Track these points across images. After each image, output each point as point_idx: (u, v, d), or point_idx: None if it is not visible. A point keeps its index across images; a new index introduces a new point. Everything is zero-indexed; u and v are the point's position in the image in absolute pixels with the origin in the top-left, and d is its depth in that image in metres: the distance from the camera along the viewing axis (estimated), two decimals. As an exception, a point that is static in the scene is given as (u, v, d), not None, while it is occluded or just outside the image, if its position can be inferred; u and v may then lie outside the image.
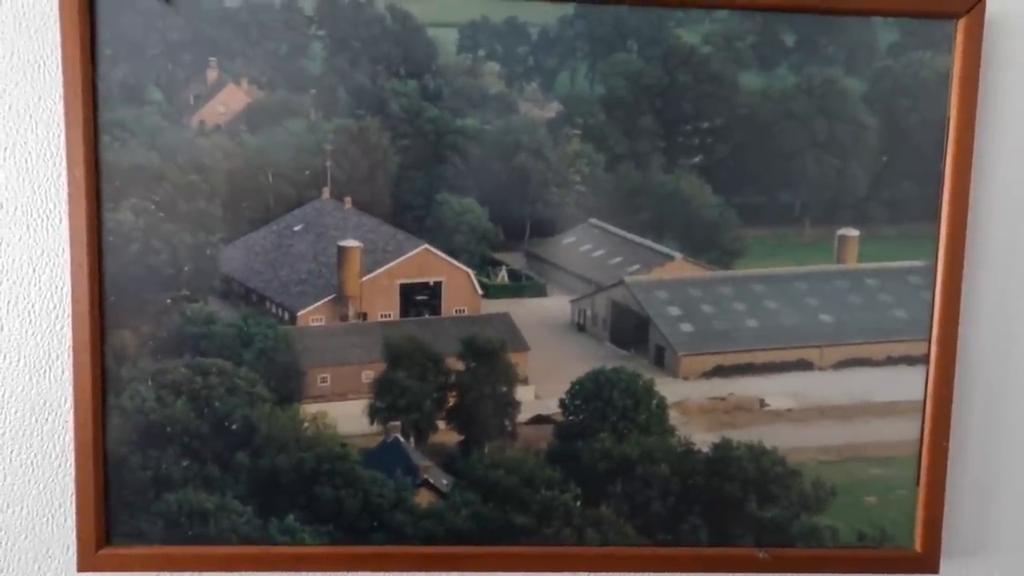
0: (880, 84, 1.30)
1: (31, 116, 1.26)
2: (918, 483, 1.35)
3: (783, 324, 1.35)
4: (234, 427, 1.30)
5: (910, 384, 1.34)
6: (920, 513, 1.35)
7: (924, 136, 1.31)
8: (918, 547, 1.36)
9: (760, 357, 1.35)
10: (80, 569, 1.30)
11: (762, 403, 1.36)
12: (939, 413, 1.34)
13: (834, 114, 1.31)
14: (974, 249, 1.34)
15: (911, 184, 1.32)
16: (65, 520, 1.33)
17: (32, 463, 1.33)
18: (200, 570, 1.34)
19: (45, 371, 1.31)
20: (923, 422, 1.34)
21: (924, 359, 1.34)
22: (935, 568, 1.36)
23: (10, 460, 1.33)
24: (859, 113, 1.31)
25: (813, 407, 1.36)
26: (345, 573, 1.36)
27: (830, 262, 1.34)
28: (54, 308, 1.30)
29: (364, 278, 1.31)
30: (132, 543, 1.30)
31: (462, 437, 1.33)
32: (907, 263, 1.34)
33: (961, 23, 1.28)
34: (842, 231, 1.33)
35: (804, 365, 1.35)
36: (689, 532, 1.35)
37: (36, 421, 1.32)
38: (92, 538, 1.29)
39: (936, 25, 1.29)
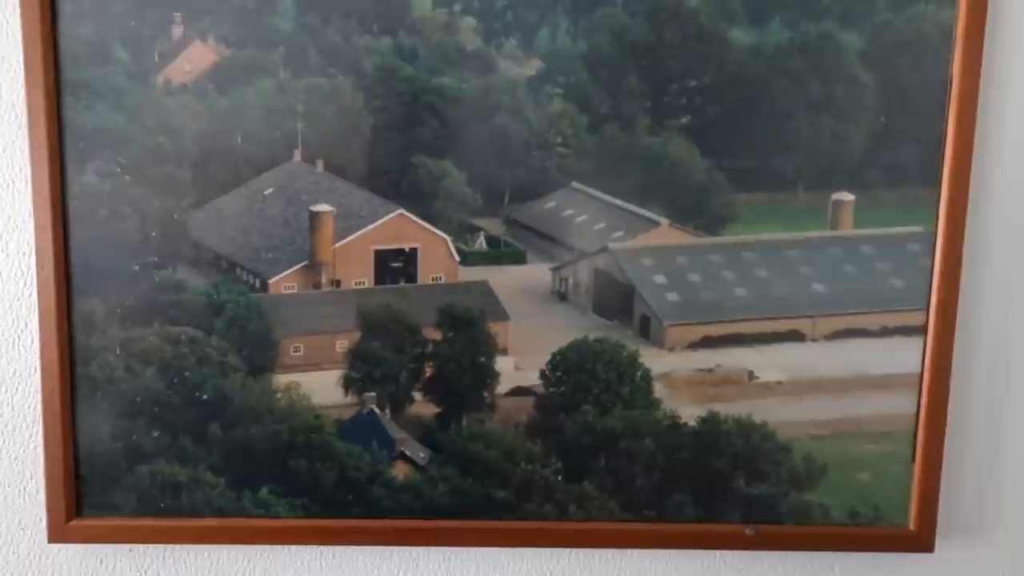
0: (879, 40, 1.23)
1: (-7, 76, 1.22)
2: (914, 459, 1.30)
3: (774, 293, 1.30)
4: (206, 397, 1.27)
5: (907, 356, 1.29)
6: (915, 490, 1.30)
7: (925, 95, 1.24)
8: (912, 525, 1.31)
9: (749, 328, 1.30)
10: (51, 540, 1.28)
11: (751, 376, 1.31)
12: (937, 387, 1.28)
13: (830, 72, 1.24)
14: (976, 215, 1.27)
15: (910, 146, 1.26)
16: (36, 492, 1.31)
17: (2, 434, 1.31)
18: (173, 543, 1.31)
19: (13, 340, 1.28)
20: (920, 396, 1.29)
21: (922, 330, 1.28)
22: (930, 547, 1.32)
23: (-20, 430, 1.31)
24: (856, 71, 1.24)
25: (805, 380, 1.31)
26: (320, 547, 1.33)
27: (824, 228, 1.28)
28: (20, 276, 1.27)
29: (337, 244, 1.27)
30: (104, 515, 1.28)
31: (440, 409, 1.30)
32: (905, 229, 1.28)
33: (966, -26, 1.21)
34: (837, 196, 1.27)
35: (796, 336, 1.30)
36: (675, 508, 1.31)
37: (5, 392, 1.30)
38: (62, 510, 1.27)
39: (940, -23, 1.22)
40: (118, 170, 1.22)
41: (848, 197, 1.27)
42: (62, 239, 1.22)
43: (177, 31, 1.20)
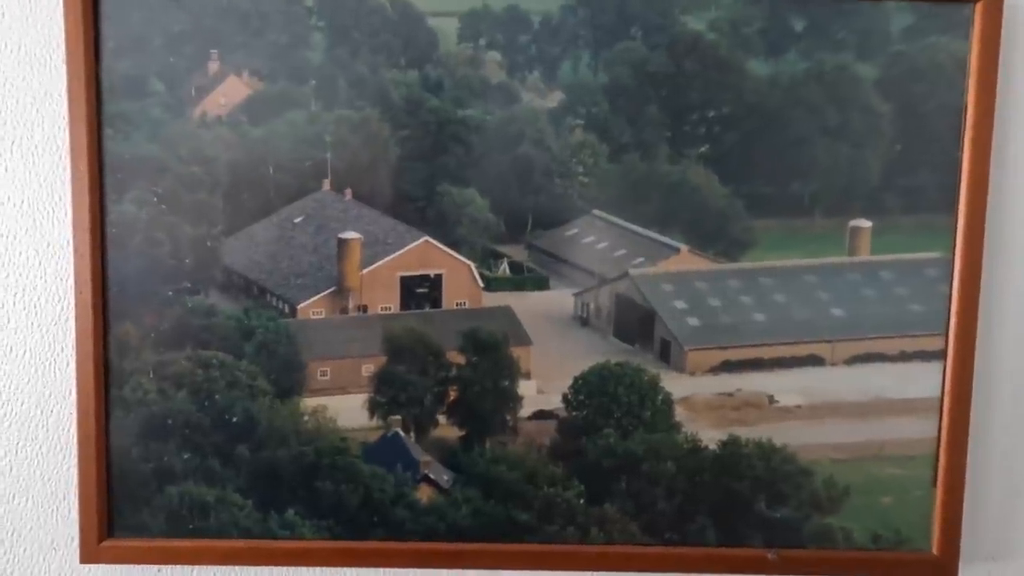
0: (894, 70, 1.26)
1: (37, 110, 1.27)
2: (936, 484, 1.31)
3: (793, 318, 1.31)
4: (235, 420, 1.30)
5: (927, 380, 1.30)
6: (938, 515, 1.31)
7: (940, 123, 1.27)
8: (935, 550, 1.31)
9: (769, 352, 1.31)
10: (83, 561, 1.30)
11: (771, 399, 1.32)
12: (957, 411, 1.29)
13: (845, 101, 1.27)
14: (993, 240, 1.29)
15: (927, 173, 1.28)
16: (69, 512, 1.34)
17: (38, 455, 1.34)
18: (200, 563, 1.33)
19: (50, 363, 1.32)
20: (940, 420, 1.30)
21: (941, 355, 1.29)
22: (954, 572, 1.31)
23: (16, 452, 1.34)
24: (872, 100, 1.27)
25: (825, 404, 1.32)
26: (345, 569, 1.35)
27: (842, 254, 1.30)
28: (59, 300, 1.31)
29: (364, 270, 1.30)
30: (134, 535, 1.30)
31: (463, 432, 1.32)
32: (923, 255, 1.29)
33: (979, 7, 1.24)
34: (854, 222, 1.29)
35: (815, 360, 1.31)
36: (696, 532, 1.32)
37: (41, 413, 1.33)
38: (95, 530, 1.29)
39: (953, 9, 1.24)
40: (154, 199, 1.27)
41: (865, 223, 1.29)
42: (100, 265, 1.26)
43: (213, 66, 1.25)
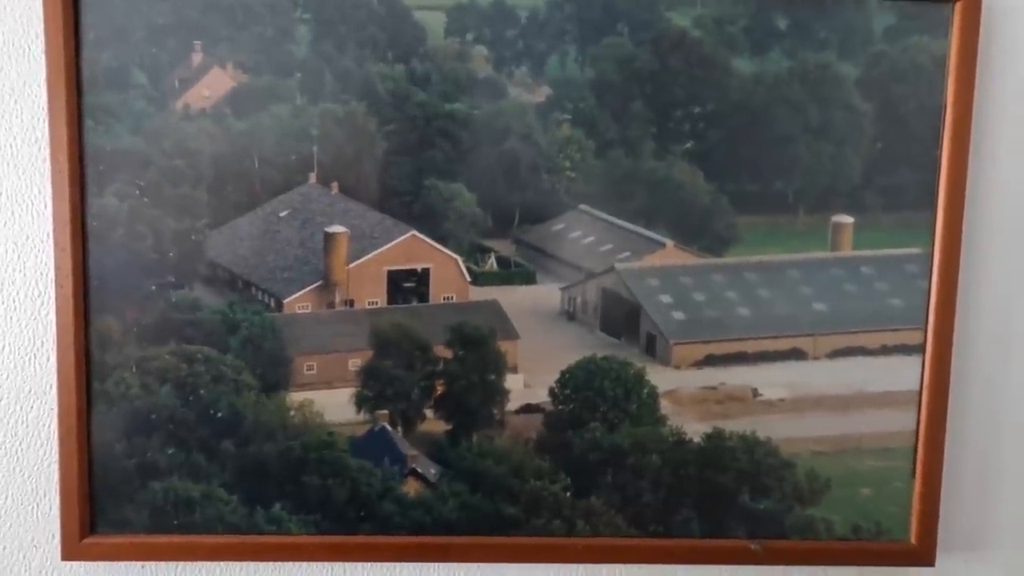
0: (875, 69, 1.28)
1: (15, 101, 1.25)
2: (914, 475, 1.33)
3: (776, 313, 1.33)
4: (220, 415, 1.29)
5: (906, 374, 1.32)
6: (916, 505, 1.33)
7: (920, 122, 1.29)
8: (914, 540, 1.34)
9: (753, 346, 1.33)
10: (64, 558, 1.29)
11: (755, 393, 1.34)
12: (935, 403, 1.32)
13: (828, 100, 1.29)
14: (971, 237, 1.31)
15: (907, 171, 1.30)
16: (50, 509, 1.32)
17: (17, 450, 1.32)
18: (186, 560, 1.33)
19: (30, 357, 1.30)
20: (919, 413, 1.32)
21: (920, 348, 1.32)
22: (931, 561, 1.34)
23: (-5, 448, 1.32)
24: (853, 99, 1.29)
25: (807, 397, 1.34)
26: (332, 563, 1.35)
27: (824, 250, 1.32)
28: (39, 294, 1.29)
29: (351, 265, 1.29)
30: (117, 532, 1.29)
31: (450, 426, 1.32)
32: (903, 251, 1.32)
33: (958, 7, 1.26)
34: (836, 218, 1.31)
35: (798, 354, 1.33)
36: (681, 524, 1.33)
37: (21, 408, 1.31)
38: (76, 527, 1.28)
39: (933, 9, 1.27)
40: (136, 192, 1.25)
41: (847, 219, 1.31)
42: (80, 259, 1.24)
43: (197, 58, 1.24)
